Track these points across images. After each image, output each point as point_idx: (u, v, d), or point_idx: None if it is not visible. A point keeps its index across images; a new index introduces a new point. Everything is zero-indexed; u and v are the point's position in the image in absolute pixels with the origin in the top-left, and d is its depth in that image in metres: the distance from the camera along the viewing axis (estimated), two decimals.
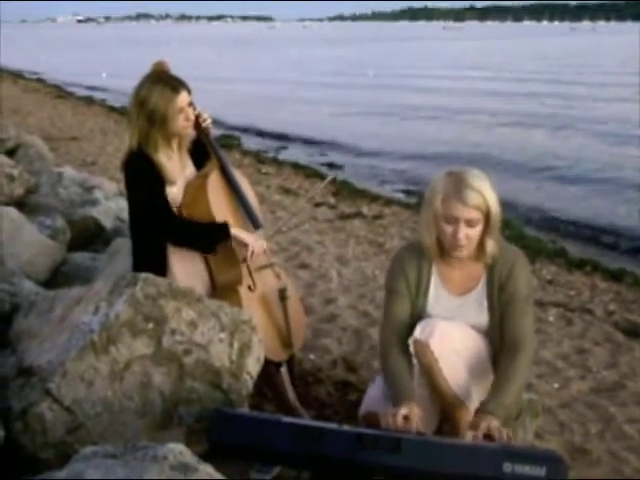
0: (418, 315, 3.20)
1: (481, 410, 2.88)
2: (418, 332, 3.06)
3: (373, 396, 3.20)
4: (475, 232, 3.02)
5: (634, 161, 14.11)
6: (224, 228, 3.61)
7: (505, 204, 3.26)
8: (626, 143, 16.49)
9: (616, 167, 13.73)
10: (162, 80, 3.63)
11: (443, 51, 63.94)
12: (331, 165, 13.84)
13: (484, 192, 2.99)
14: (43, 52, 49.79)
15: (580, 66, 41.04)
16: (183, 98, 3.62)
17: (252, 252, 3.65)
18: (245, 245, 3.65)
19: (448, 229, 3.03)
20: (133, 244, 3.73)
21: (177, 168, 3.69)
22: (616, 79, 32.09)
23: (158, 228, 3.58)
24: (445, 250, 3.14)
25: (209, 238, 3.62)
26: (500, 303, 3.13)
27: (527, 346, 3.05)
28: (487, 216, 3.01)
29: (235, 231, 3.63)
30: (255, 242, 3.68)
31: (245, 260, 3.69)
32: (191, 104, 3.68)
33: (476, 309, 3.18)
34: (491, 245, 3.08)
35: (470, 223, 3.00)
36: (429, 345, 3.01)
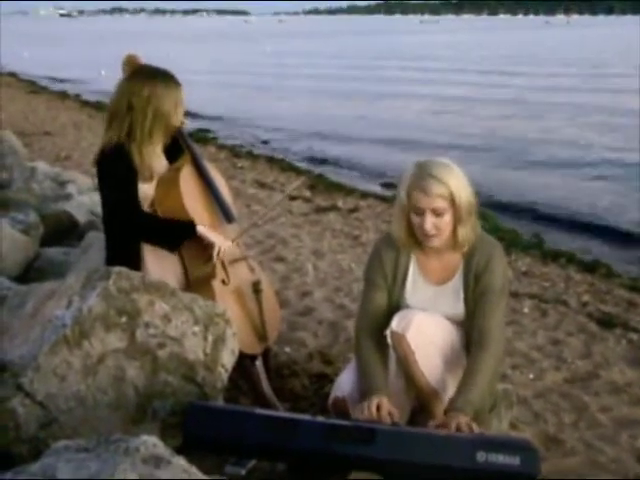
0: (396, 305, 3.20)
1: (449, 408, 2.88)
2: (395, 323, 3.06)
3: (342, 382, 3.20)
4: (444, 221, 3.01)
5: (612, 149, 14.21)
6: (190, 226, 3.57)
7: (481, 195, 3.25)
8: (603, 130, 16.66)
9: (595, 156, 13.80)
10: (160, 74, 3.60)
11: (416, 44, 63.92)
12: (311, 159, 13.77)
13: (447, 180, 2.96)
14: (21, 47, 49.13)
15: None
16: (182, 92, 3.62)
17: (218, 252, 3.57)
18: (212, 244, 3.58)
19: (416, 220, 3.03)
20: (106, 238, 3.69)
21: (157, 164, 3.67)
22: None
23: (124, 223, 3.53)
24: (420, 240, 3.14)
25: (174, 236, 3.58)
26: (475, 294, 3.12)
27: (494, 343, 3.03)
28: (454, 204, 2.99)
29: (202, 230, 3.58)
30: (222, 242, 3.61)
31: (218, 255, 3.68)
32: None
33: (453, 299, 3.18)
34: (463, 233, 3.06)
35: (436, 212, 2.98)
36: (406, 336, 3.01)
